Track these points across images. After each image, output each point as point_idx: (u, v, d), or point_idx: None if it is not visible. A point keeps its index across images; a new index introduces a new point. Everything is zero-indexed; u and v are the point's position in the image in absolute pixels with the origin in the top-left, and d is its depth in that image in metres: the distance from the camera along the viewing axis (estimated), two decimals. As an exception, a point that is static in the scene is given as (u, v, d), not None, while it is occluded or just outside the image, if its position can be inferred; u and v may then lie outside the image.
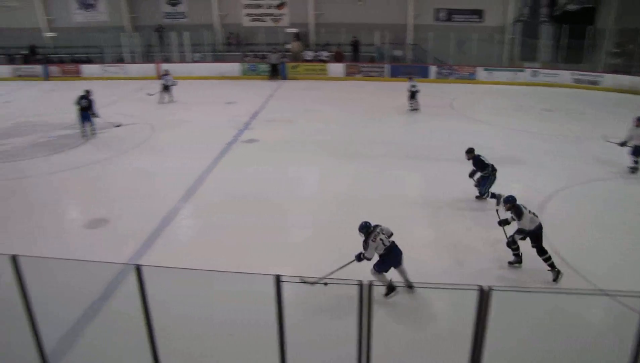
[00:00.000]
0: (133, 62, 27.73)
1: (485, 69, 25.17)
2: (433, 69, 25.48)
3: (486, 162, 10.35)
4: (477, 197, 10.75)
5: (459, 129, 16.32)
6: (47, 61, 28.42)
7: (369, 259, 7.18)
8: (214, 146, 14.67)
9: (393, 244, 7.27)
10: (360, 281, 4.56)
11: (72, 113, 16.40)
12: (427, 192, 11.41)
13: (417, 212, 10.38)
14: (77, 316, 6.85)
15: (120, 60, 28.01)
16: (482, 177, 10.48)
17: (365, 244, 7.15)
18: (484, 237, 9.08)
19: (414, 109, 18.64)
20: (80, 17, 29.78)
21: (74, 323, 6.71)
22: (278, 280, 4.61)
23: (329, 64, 25.90)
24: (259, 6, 28.18)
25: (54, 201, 11.48)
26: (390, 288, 7.26)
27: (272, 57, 25.67)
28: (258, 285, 4.79)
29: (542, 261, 7.74)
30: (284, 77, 25.62)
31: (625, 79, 22.93)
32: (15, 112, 19.65)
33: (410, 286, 7.37)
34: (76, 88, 21.55)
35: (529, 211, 7.83)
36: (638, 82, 22.57)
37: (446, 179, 12.00)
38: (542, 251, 7.76)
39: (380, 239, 7.11)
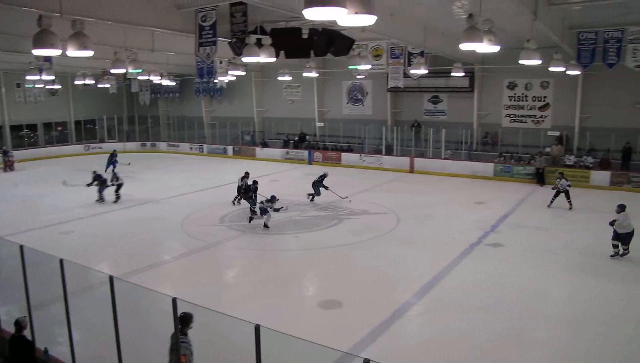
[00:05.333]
0: (389, 154, 29.11)
1: None
2: None
3: None
4: None
5: None
6: (312, 147, 31.63)
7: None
8: (456, 245, 14.23)
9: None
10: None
11: (326, 196, 17.71)
12: None
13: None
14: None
15: (377, 151, 29.64)
16: None
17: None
18: None
19: None
20: (348, 110, 32.61)
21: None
22: None
23: (592, 171, 23.77)
24: (520, 107, 27.54)
25: (297, 276, 12.27)
26: None
27: (538, 161, 24.43)
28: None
29: None
30: (543, 183, 24.05)
31: None
32: (279, 191, 21.83)
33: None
34: (334, 173, 23.23)
35: None
36: None
37: None
38: None
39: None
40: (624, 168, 23.73)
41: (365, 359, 4.69)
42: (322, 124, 33.07)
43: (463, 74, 24.87)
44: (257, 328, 5.31)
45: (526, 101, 27.29)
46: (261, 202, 16.42)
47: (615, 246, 13.20)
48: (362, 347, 8.47)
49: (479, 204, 19.61)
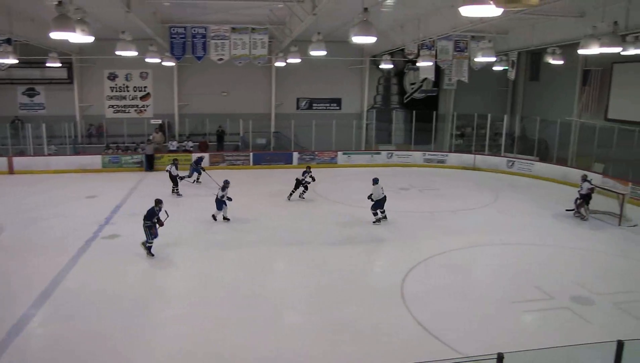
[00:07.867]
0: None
1: (345, 153, 26.90)
2: (296, 155, 26.59)
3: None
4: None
5: (326, 213, 17.31)
6: None
7: None
8: (71, 244, 13.72)
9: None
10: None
11: None
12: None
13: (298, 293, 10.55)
14: None
15: (-33, 154, 25.98)
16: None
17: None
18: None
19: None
20: None
21: None
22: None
23: (193, 154, 25.92)
24: (122, 98, 28.01)
25: None
26: None
27: (147, 148, 25.14)
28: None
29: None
30: (152, 168, 25.02)
31: (466, 157, 26.56)
32: None
33: None
34: None
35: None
36: (477, 160, 26.11)
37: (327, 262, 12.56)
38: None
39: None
40: (220, 148, 26.82)
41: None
42: None
43: (60, 64, 24.01)
44: None
45: (128, 91, 28.05)
46: (222, 196, 15.67)
47: (375, 214, 15.57)
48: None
49: (90, 199, 19.29)
